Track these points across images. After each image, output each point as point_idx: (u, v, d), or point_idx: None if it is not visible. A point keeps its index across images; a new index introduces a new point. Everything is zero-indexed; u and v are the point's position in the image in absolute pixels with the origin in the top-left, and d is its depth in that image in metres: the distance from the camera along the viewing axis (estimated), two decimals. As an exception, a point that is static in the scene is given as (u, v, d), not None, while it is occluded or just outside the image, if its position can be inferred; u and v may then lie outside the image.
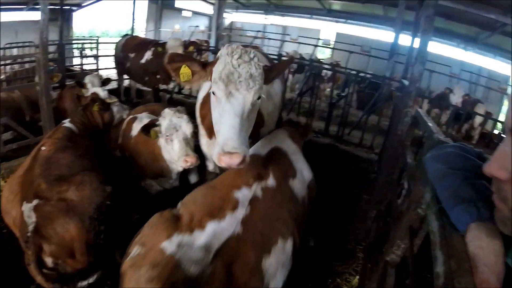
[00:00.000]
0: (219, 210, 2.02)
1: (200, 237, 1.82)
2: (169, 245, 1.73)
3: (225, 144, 1.92)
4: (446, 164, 1.28)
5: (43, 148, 3.01)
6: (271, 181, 2.40)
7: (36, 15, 4.08)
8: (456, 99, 9.48)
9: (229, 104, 2.06)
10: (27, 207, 2.49)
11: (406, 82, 3.96)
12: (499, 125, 9.81)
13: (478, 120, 8.47)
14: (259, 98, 2.16)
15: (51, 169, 2.75)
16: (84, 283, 2.64)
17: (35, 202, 2.50)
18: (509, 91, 13.19)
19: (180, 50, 6.53)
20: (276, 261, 2.00)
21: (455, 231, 1.08)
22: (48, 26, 4.12)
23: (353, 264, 3.58)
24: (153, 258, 1.68)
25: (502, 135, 8.33)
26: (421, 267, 1.78)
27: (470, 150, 1.33)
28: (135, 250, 1.79)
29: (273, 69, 2.35)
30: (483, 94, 13.72)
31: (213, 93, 2.14)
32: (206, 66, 2.26)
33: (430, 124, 2.40)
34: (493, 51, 13.27)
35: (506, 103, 13.83)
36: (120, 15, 21.49)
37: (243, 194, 2.20)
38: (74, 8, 14.83)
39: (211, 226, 1.90)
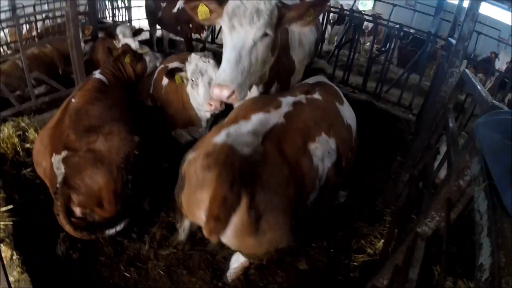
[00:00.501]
0: (262, 107, 2.22)
1: (247, 125, 2.03)
2: (218, 138, 1.92)
3: (218, 75, 2.02)
4: (503, 133, 1.09)
5: (73, 100, 3.01)
6: (317, 95, 2.61)
7: None
8: (500, 64, 8.78)
9: (229, 37, 2.10)
10: (56, 159, 2.53)
11: (453, 41, 3.64)
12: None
13: None
14: (266, 35, 2.14)
15: (80, 121, 2.76)
16: (112, 231, 2.73)
17: (64, 153, 2.53)
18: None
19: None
20: (322, 148, 2.17)
21: (508, 216, 0.93)
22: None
23: (379, 227, 3.48)
24: (205, 150, 1.86)
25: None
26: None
27: None
28: (189, 155, 1.99)
29: (294, 9, 2.25)
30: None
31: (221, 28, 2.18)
32: (223, 3, 2.19)
33: (479, 87, 2.18)
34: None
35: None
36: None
37: (287, 99, 2.40)
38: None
39: (256, 117, 2.11)
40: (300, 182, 1.94)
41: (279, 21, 2.19)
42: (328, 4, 2.56)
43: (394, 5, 11.43)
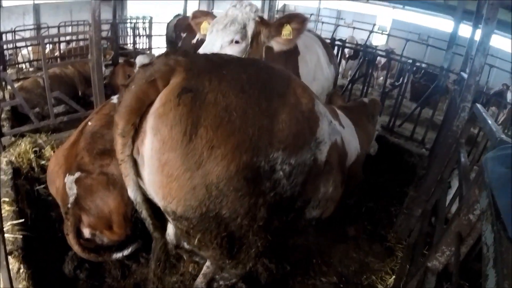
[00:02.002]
0: None
1: None
2: None
3: None
4: (511, 168, 1.11)
5: (89, 123, 3.08)
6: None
7: None
8: None
9: (206, 39, 2.32)
10: (69, 179, 2.57)
11: (465, 75, 3.68)
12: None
13: None
14: (236, 43, 2.30)
15: (95, 143, 2.81)
16: (119, 254, 2.74)
17: (77, 174, 2.58)
18: None
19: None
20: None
21: None
22: (100, 5, 4.21)
23: (391, 263, 3.41)
24: None
25: None
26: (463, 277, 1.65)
27: None
28: None
29: (271, 25, 2.47)
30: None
31: None
32: None
33: (489, 122, 2.19)
34: None
35: None
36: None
37: None
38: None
39: None
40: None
41: (256, 35, 2.33)
42: (306, 21, 2.55)
43: (407, 40, 11.66)
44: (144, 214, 1.77)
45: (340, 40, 8.20)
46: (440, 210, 2.84)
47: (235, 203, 1.53)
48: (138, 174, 1.64)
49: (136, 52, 7.78)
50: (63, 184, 2.60)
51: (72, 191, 2.53)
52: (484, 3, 3.44)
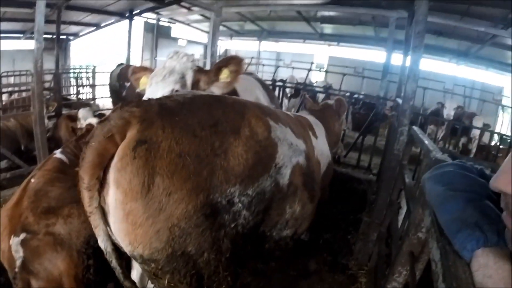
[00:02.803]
0: None
1: None
2: None
3: None
4: (447, 185, 1.18)
5: (32, 180, 2.92)
6: None
7: (33, 44, 4.14)
8: (447, 111, 9.50)
9: (146, 93, 2.34)
10: (14, 241, 2.40)
11: (400, 101, 3.95)
12: (496, 137, 9.79)
13: (476, 133, 8.42)
14: (177, 91, 2.30)
15: (39, 202, 2.65)
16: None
17: (22, 236, 2.41)
18: (504, 102, 13.34)
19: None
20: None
21: (460, 259, 0.98)
22: (43, 55, 4.15)
23: (355, 290, 3.45)
24: None
25: (500, 146, 8.30)
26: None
27: (470, 168, 1.25)
28: None
29: (208, 71, 2.56)
30: (477, 107, 13.81)
31: None
32: None
33: (426, 142, 2.34)
34: (485, 63, 13.50)
35: (501, 114, 14.01)
36: (117, 45, 21.86)
37: None
38: (71, 37, 15.08)
39: None
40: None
41: (196, 82, 2.47)
42: (242, 62, 2.60)
43: (344, 74, 12.44)
44: (114, 263, 1.74)
45: (281, 80, 8.68)
46: (393, 231, 2.93)
47: (198, 238, 1.59)
48: (106, 223, 1.67)
49: (80, 103, 7.56)
50: (8, 247, 2.41)
51: (19, 254, 2.35)
52: (411, 33, 3.77)
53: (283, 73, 15.36)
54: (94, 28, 14.35)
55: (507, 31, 8.36)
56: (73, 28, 14.02)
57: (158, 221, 1.51)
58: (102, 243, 1.70)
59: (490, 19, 8.22)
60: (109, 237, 1.69)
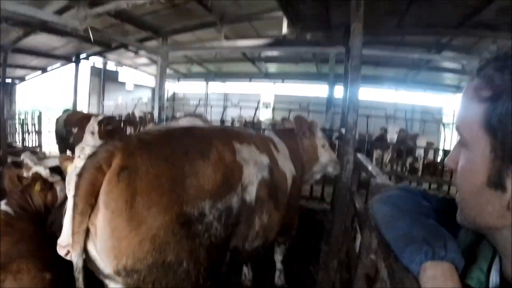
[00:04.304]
0: None
1: None
2: None
3: (61, 236, 2.17)
4: (393, 206, 1.25)
5: (-25, 237, 2.75)
6: None
7: None
8: (390, 136, 10.03)
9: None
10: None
11: (343, 131, 4.11)
12: (440, 153, 10.40)
13: (420, 152, 8.94)
14: None
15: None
16: None
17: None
18: (444, 120, 14.41)
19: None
20: None
21: (407, 275, 1.05)
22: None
23: (322, 321, 3.46)
24: None
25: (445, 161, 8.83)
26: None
27: (414, 191, 1.34)
28: None
29: None
30: (420, 128, 14.70)
31: None
32: None
33: (369, 168, 2.50)
34: (423, 86, 14.62)
35: (443, 132, 15.09)
36: (64, 89, 21.24)
37: None
38: (16, 81, 14.50)
39: None
40: None
41: None
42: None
43: (290, 110, 12.93)
44: (80, 281, 1.88)
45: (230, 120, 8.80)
46: (351, 257, 3.02)
47: (176, 247, 1.84)
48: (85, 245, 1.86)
49: (25, 150, 7.20)
50: None
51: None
52: (349, 67, 4.00)
53: (232, 113, 15.70)
54: (41, 72, 13.95)
55: (440, 55, 9.18)
56: (19, 72, 13.58)
57: (140, 232, 1.74)
58: (75, 258, 1.83)
59: (423, 45, 8.97)
60: (81, 256, 1.84)
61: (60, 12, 7.03)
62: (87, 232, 1.82)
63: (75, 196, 1.80)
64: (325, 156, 3.96)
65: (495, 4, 5.01)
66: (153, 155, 1.89)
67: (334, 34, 6.87)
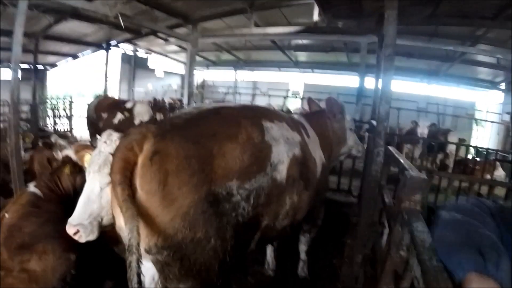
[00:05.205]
0: None
1: None
2: None
3: (72, 215, 2.38)
4: (459, 214, 1.23)
5: (6, 215, 2.84)
6: None
7: (9, 74, 4.08)
8: (421, 130, 9.76)
9: (86, 181, 2.53)
10: (-11, 279, 2.30)
11: (374, 123, 4.02)
12: (472, 150, 10.07)
13: (452, 148, 8.60)
14: None
15: (13, 238, 2.58)
16: None
17: (-4, 273, 2.31)
18: (477, 116, 13.83)
19: (147, 116, 6.85)
20: None
21: (442, 274, 0.99)
22: (19, 86, 4.07)
23: (342, 315, 3.41)
24: None
25: (477, 159, 8.48)
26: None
27: (484, 204, 1.28)
28: None
29: None
30: (452, 123, 14.19)
31: None
32: None
33: (402, 161, 2.39)
34: (456, 80, 14.05)
35: (475, 128, 14.47)
36: (94, 76, 21.82)
37: None
38: (48, 67, 14.95)
39: None
40: None
41: None
42: None
43: (319, 100, 12.66)
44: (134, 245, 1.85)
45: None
46: (377, 252, 2.94)
47: (205, 225, 1.93)
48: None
49: (57, 134, 7.43)
50: None
51: (-6, 291, 2.27)
52: (381, 57, 3.87)
53: (260, 101, 15.61)
54: (72, 58, 14.32)
55: (474, 48, 8.78)
56: (51, 58, 13.96)
57: (172, 210, 1.86)
58: (131, 224, 1.83)
59: (457, 37, 8.58)
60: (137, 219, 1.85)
61: (91, -1, 7.11)
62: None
63: (111, 172, 1.94)
64: (352, 138, 3.96)
65: None
66: (183, 138, 1.99)
67: (366, 23, 6.63)
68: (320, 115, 3.79)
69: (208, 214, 1.93)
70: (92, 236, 2.44)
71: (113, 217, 2.25)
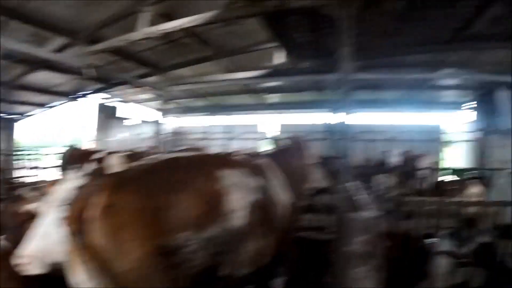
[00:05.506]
0: None
1: None
2: None
3: (23, 246, 2.39)
4: None
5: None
6: None
7: None
8: (394, 158, 9.97)
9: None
10: None
11: (340, 159, 4.07)
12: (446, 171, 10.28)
13: (426, 172, 8.76)
14: None
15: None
16: None
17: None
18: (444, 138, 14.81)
19: (120, 167, 6.85)
20: None
21: None
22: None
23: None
24: None
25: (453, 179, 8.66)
26: None
27: None
28: None
29: None
30: (423, 148, 14.43)
31: None
32: None
33: (359, 199, 2.45)
34: (423, 106, 14.65)
35: (446, 150, 15.10)
36: (68, 125, 21.58)
37: None
38: (17, 117, 14.63)
39: None
40: None
41: None
42: None
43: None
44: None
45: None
46: None
47: (159, 277, 1.95)
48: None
49: (26, 186, 7.21)
50: None
51: None
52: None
53: (236, 146, 15.69)
54: (43, 108, 14.09)
55: (438, 73, 9.12)
56: (20, 108, 13.70)
57: (124, 263, 1.87)
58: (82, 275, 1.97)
59: (421, 65, 8.87)
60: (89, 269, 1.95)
61: (60, 50, 7.18)
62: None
63: (68, 220, 2.01)
64: (319, 174, 4.00)
65: (486, 14, 4.90)
66: (135, 191, 2.03)
67: (330, 61, 6.93)
68: (287, 153, 3.85)
69: (162, 266, 1.95)
70: (39, 271, 2.40)
71: (68, 259, 2.23)
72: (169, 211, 2.04)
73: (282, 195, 3.11)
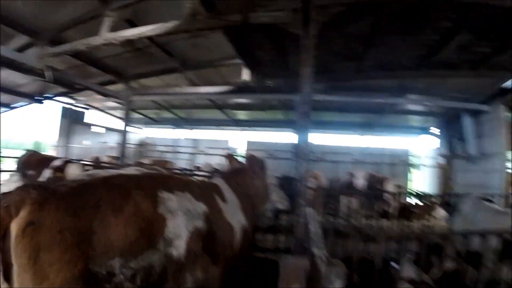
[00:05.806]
0: None
1: None
2: None
3: None
4: None
5: None
6: None
7: None
8: (358, 180, 10.03)
9: None
10: None
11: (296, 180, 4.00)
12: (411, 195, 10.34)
13: (390, 196, 8.80)
14: None
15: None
16: None
17: None
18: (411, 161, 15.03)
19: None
20: None
21: None
22: None
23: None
24: None
25: (417, 203, 8.76)
26: None
27: None
28: None
29: None
30: (388, 171, 14.70)
31: None
32: None
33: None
34: (389, 129, 14.95)
35: (412, 174, 15.41)
36: (28, 127, 20.62)
37: None
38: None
39: None
40: None
41: None
42: None
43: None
44: None
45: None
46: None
47: None
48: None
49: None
50: None
51: None
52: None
53: (201, 159, 15.51)
54: (4, 108, 13.40)
55: (403, 99, 9.32)
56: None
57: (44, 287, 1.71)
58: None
59: (387, 89, 9.04)
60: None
61: (22, 49, 6.88)
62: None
63: None
64: (276, 194, 3.88)
65: (453, 42, 5.02)
66: (61, 209, 1.83)
67: (294, 81, 6.95)
68: (241, 173, 3.71)
69: None
70: None
71: None
72: (98, 233, 1.85)
73: (232, 220, 2.93)
